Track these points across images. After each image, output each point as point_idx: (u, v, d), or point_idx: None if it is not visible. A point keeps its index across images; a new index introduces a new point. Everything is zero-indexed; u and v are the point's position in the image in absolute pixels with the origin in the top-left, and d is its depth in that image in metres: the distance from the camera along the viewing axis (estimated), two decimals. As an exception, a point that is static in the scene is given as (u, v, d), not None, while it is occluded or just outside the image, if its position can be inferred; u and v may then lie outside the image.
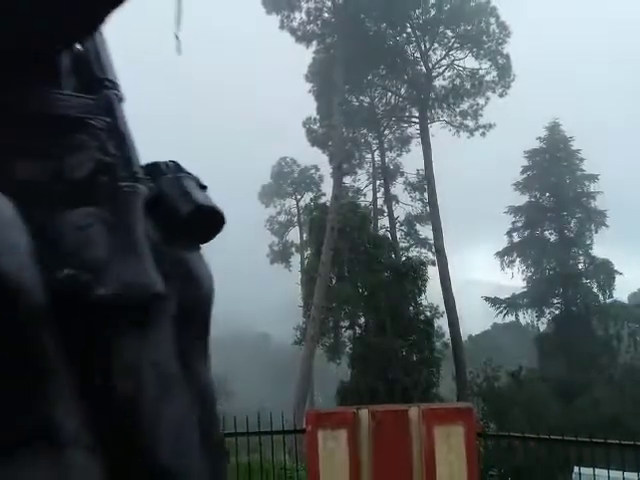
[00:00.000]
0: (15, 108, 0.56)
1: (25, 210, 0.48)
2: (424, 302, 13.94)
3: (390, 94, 18.21)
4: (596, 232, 20.25)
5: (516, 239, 21.11)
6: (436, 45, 17.12)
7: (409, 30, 16.77)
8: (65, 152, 0.57)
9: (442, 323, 14.86)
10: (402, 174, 20.35)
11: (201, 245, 0.63)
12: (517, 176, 20.70)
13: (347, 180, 19.03)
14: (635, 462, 2.78)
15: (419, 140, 17.55)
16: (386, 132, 19.59)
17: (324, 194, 21.20)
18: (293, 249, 23.58)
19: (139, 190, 0.57)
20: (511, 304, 20.25)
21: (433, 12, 16.53)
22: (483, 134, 17.90)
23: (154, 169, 0.61)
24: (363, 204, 18.92)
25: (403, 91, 18.20)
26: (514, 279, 21.45)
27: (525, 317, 21.06)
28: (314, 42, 16.20)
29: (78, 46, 0.65)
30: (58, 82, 0.60)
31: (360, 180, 20.56)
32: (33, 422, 0.41)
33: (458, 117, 17.73)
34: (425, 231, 19.30)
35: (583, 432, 2.94)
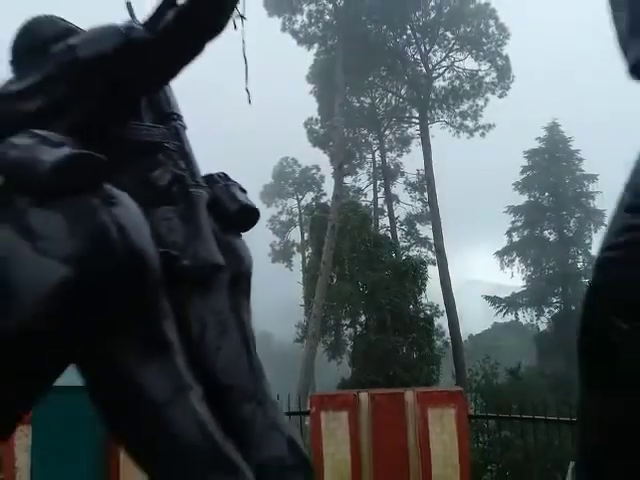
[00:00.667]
0: (118, 138, 0.80)
1: None
2: (424, 301, 14.08)
3: (390, 95, 18.39)
4: (595, 232, 20.37)
5: (516, 239, 21.23)
6: (436, 47, 17.30)
7: (409, 32, 16.96)
8: (150, 168, 0.81)
9: (442, 322, 15.02)
10: (402, 174, 20.51)
11: (242, 233, 0.90)
12: (516, 176, 20.83)
13: (348, 180, 19.23)
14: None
15: (419, 140, 17.73)
16: (386, 132, 19.76)
17: (325, 194, 21.41)
18: (294, 248, 23.75)
19: (202, 194, 0.82)
20: (511, 303, 20.37)
21: (433, 14, 16.72)
22: (483, 135, 18.08)
23: (210, 179, 0.88)
24: (364, 204, 19.09)
25: (403, 92, 18.38)
26: (514, 278, 21.54)
27: (525, 316, 21.15)
28: (315, 44, 16.40)
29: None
30: (141, 116, 0.85)
31: (361, 180, 20.74)
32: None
33: (458, 118, 17.91)
34: (425, 231, 19.44)
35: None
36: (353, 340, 14.27)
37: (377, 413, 3.01)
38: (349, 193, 19.16)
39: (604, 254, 0.76)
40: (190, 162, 0.86)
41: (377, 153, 20.55)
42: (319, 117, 18.31)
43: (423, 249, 19.45)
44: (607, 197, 19.92)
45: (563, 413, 3.06)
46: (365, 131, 19.74)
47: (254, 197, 0.95)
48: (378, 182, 20.71)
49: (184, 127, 0.90)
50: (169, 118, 0.89)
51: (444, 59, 17.41)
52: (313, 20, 16.10)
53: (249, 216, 0.88)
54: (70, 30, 1.01)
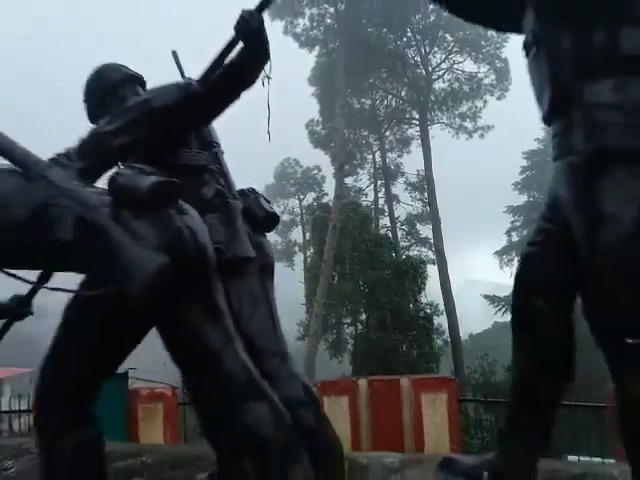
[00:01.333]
0: (173, 162, 1.09)
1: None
2: (424, 300, 14.24)
3: (391, 97, 18.60)
4: (594, 231, 20.54)
5: (515, 238, 21.43)
6: (436, 49, 17.52)
7: (409, 34, 17.18)
8: (199, 186, 1.10)
9: (442, 321, 15.20)
10: (403, 174, 20.70)
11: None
12: (516, 176, 21.01)
13: (349, 180, 19.44)
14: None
15: (419, 142, 17.94)
16: (387, 133, 19.97)
17: (326, 194, 21.62)
18: (296, 248, 23.96)
19: (237, 204, 1.12)
20: (509, 302, 20.53)
21: (433, 17, 16.94)
22: (482, 136, 18.29)
23: (242, 192, 1.17)
24: (364, 204, 19.28)
25: (404, 94, 18.59)
26: (513, 278, 21.62)
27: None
28: (317, 47, 16.64)
29: None
30: (190, 145, 1.14)
31: (362, 180, 20.93)
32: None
33: (457, 119, 18.13)
34: (426, 230, 19.60)
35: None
36: (354, 338, 14.38)
37: (375, 398, 3.30)
38: (350, 193, 19.35)
39: (527, 249, 1.05)
40: (227, 180, 1.17)
41: (378, 154, 20.75)
42: (320, 119, 18.53)
43: (423, 249, 19.58)
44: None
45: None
46: (366, 132, 19.92)
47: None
48: (379, 182, 20.89)
49: (222, 152, 1.20)
50: (210, 146, 1.19)
51: (444, 61, 17.61)
52: (315, 23, 16.34)
53: (272, 220, 1.19)
54: (130, 75, 1.31)
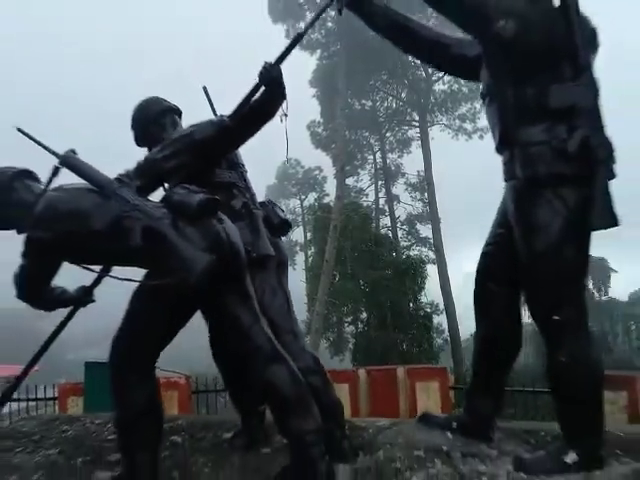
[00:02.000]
0: (209, 180, 1.39)
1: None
2: (424, 299, 14.40)
3: (391, 98, 18.82)
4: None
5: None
6: (436, 51, 17.72)
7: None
8: (230, 199, 1.40)
9: (442, 320, 15.40)
10: (403, 175, 20.88)
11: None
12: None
13: (350, 181, 19.65)
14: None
15: (419, 142, 18.18)
16: (387, 134, 20.18)
17: (327, 194, 21.82)
18: (297, 248, 24.19)
19: (259, 213, 1.41)
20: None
21: (432, 20, 17.17)
22: (481, 137, 18.47)
23: (263, 204, 1.47)
24: (365, 204, 19.48)
25: (404, 95, 18.80)
26: None
27: (523, 314, 21.42)
28: (318, 50, 16.88)
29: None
30: (221, 165, 1.44)
31: (362, 181, 21.10)
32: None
33: (457, 120, 18.33)
34: (426, 230, 19.75)
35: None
36: (355, 337, 14.47)
37: (373, 386, 3.59)
38: (351, 193, 19.54)
39: (485, 248, 1.34)
40: (251, 194, 1.47)
41: (378, 154, 20.93)
42: (321, 120, 18.73)
43: (424, 249, 19.71)
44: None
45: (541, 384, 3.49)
46: (366, 133, 20.10)
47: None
48: (379, 183, 21.06)
49: (246, 171, 1.50)
50: (237, 166, 1.49)
51: None
52: (316, 27, 16.58)
53: (285, 225, 1.50)
54: (168, 107, 1.60)
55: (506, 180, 1.24)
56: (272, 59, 1.39)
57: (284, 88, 1.37)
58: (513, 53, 1.14)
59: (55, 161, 1.30)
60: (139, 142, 1.59)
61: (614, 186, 1.11)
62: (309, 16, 16.64)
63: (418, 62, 18.20)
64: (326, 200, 20.34)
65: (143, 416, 1.19)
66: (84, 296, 1.47)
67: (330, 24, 16.46)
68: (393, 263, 14.22)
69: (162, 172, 1.31)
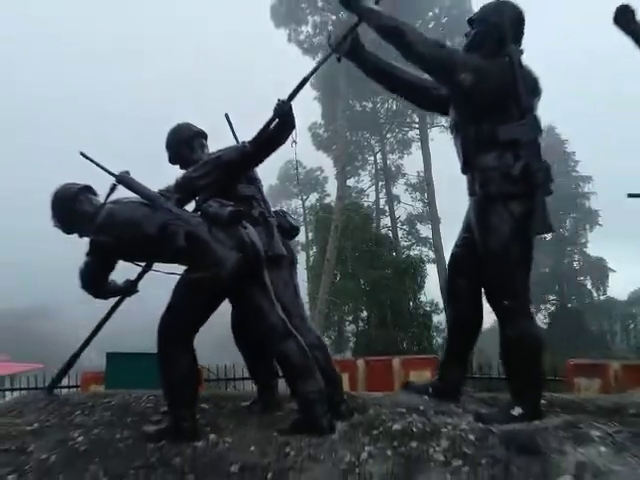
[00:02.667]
0: (232, 193, 1.72)
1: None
2: (423, 298, 14.63)
3: (391, 100, 19.06)
4: (590, 231, 20.99)
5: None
6: (435, 54, 18.00)
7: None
8: (250, 209, 1.73)
9: (441, 319, 15.66)
10: (403, 175, 21.14)
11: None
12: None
13: (350, 181, 19.93)
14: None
15: (419, 144, 18.46)
16: (388, 136, 20.45)
17: (329, 194, 22.12)
18: (299, 247, 24.46)
19: (273, 220, 1.75)
20: (508, 301, 20.98)
21: (432, 24, 17.46)
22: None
23: (276, 212, 1.80)
24: (366, 204, 19.75)
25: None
26: None
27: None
28: (320, 54, 17.17)
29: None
30: (240, 180, 1.77)
31: (363, 181, 21.35)
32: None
33: (456, 122, 18.56)
34: (426, 230, 19.98)
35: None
36: (355, 335, 14.65)
37: (370, 375, 3.92)
38: (352, 194, 19.80)
39: (454, 249, 1.67)
40: (267, 204, 1.81)
41: (379, 155, 21.22)
42: (323, 122, 19.02)
43: (424, 248, 19.93)
44: (602, 198, 20.59)
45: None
46: (367, 134, 20.35)
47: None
48: (380, 183, 21.31)
49: (262, 185, 1.83)
50: (255, 181, 1.82)
51: None
52: (318, 30, 16.89)
53: (295, 230, 1.84)
54: (197, 132, 1.94)
55: (469, 195, 1.57)
56: (284, 97, 1.72)
57: (294, 120, 1.70)
58: (472, 99, 1.46)
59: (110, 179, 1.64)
60: (172, 161, 1.93)
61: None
62: (311, 20, 17.03)
63: (418, 65, 18.61)
64: (327, 200, 20.60)
65: (185, 378, 1.52)
66: (130, 287, 1.81)
67: (331, 27, 16.79)
68: (393, 263, 14.40)
69: (196, 188, 1.65)
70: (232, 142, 1.83)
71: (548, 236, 21.54)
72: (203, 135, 1.94)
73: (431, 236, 18.00)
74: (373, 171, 21.44)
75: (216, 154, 1.71)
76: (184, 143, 1.88)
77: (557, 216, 20.77)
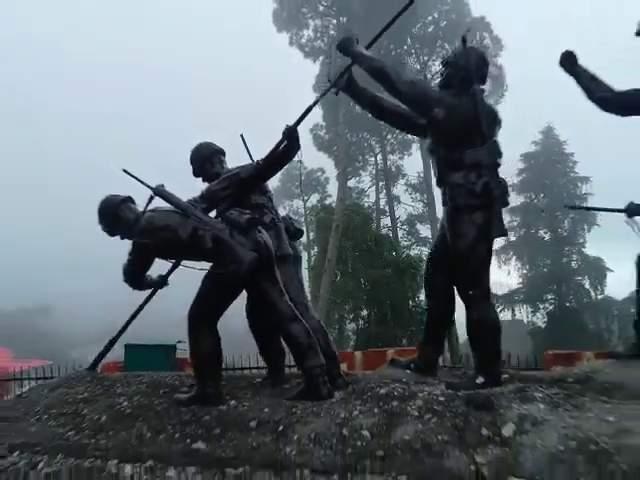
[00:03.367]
0: (248, 202, 2.08)
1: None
2: (422, 297, 14.88)
3: (392, 102, 19.38)
4: (588, 232, 21.24)
5: (512, 238, 22.17)
6: (435, 57, 18.36)
7: (409, 44, 18.00)
8: (262, 215, 2.09)
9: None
10: (403, 176, 21.43)
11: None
12: (513, 178, 21.70)
13: (351, 182, 20.21)
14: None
15: (419, 144, 18.75)
16: (388, 137, 20.74)
17: (330, 195, 22.46)
18: (301, 247, 24.70)
19: (281, 225, 2.12)
20: (507, 300, 21.37)
21: (431, 28, 17.78)
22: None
23: (284, 218, 2.18)
24: (366, 204, 20.04)
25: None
26: (510, 276, 22.26)
27: (521, 312, 21.88)
28: (321, 57, 17.51)
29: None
30: (254, 191, 2.13)
31: (364, 182, 21.63)
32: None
33: (455, 124, 18.81)
34: (425, 230, 20.29)
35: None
36: (356, 333, 14.86)
37: (367, 365, 4.26)
38: (352, 195, 20.09)
39: (432, 249, 2.02)
40: (276, 211, 2.16)
41: (379, 156, 21.51)
42: (324, 123, 19.33)
43: (424, 248, 20.18)
44: (600, 198, 20.81)
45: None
46: (368, 135, 20.64)
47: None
48: (380, 184, 21.60)
49: (272, 195, 2.18)
50: (266, 192, 2.18)
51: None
52: (319, 34, 17.22)
53: (299, 233, 2.20)
54: (216, 150, 2.29)
55: (442, 205, 1.92)
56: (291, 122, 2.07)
57: (299, 143, 2.05)
58: (443, 129, 1.81)
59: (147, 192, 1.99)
60: (195, 174, 2.29)
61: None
62: (312, 24, 17.37)
63: (418, 67, 18.95)
64: (328, 201, 20.89)
65: (211, 354, 1.87)
66: (161, 281, 2.16)
67: (332, 32, 17.12)
68: (393, 262, 14.55)
69: (218, 199, 2.00)
70: (247, 159, 2.20)
71: (547, 236, 21.83)
72: (222, 152, 2.30)
73: (431, 236, 18.30)
74: (374, 172, 21.73)
75: (235, 170, 2.07)
76: (206, 159, 2.24)
77: (556, 216, 21.06)
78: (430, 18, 17.30)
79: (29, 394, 2.30)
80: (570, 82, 1.88)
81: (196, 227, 1.85)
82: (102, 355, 2.45)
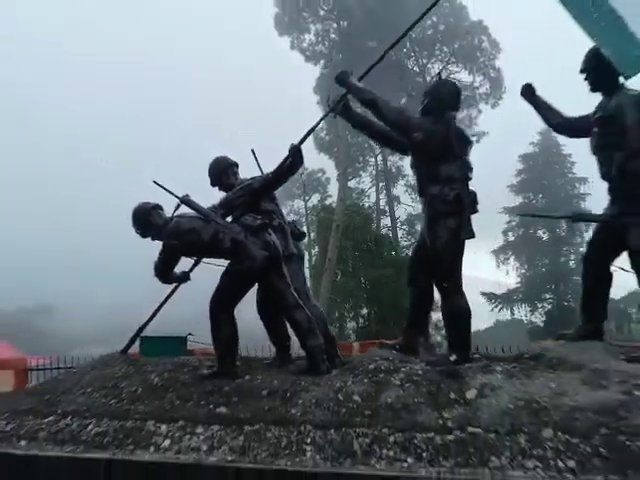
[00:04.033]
0: (258, 209, 2.45)
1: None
2: None
3: (391, 103, 19.66)
4: (586, 231, 21.46)
5: (511, 238, 22.43)
6: (434, 60, 18.67)
7: (409, 46, 18.31)
8: (271, 220, 2.46)
9: (440, 316, 16.14)
10: (403, 176, 21.74)
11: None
12: (511, 179, 21.95)
13: (351, 183, 20.52)
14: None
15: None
16: (388, 138, 21.03)
17: (330, 195, 22.80)
18: (303, 247, 25.04)
19: (287, 228, 2.50)
20: (506, 299, 21.63)
21: (430, 31, 18.09)
22: (478, 141, 19.32)
23: (289, 222, 2.57)
24: (366, 205, 20.36)
25: (404, 101, 19.67)
26: (509, 276, 22.46)
27: (520, 311, 22.12)
28: (322, 61, 17.82)
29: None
30: (264, 199, 2.51)
31: (364, 182, 21.94)
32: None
33: (454, 125, 19.11)
34: (424, 230, 20.41)
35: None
36: (356, 332, 15.05)
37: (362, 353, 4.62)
38: (352, 195, 20.37)
39: (414, 249, 2.39)
40: (283, 216, 2.54)
41: (379, 157, 21.82)
42: (325, 125, 19.62)
43: (423, 248, 20.37)
44: (598, 198, 20.89)
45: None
46: (368, 137, 20.83)
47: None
48: (380, 184, 21.89)
49: (279, 202, 2.56)
50: (274, 199, 2.56)
51: (441, 71, 18.63)
52: (320, 38, 17.53)
53: (303, 235, 2.61)
54: (230, 163, 2.66)
55: (422, 212, 2.28)
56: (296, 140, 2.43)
57: (303, 159, 2.42)
58: (423, 150, 2.18)
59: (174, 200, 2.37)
60: (213, 184, 2.67)
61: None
62: (313, 28, 17.70)
63: (417, 70, 19.28)
64: (329, 201, 21.20)
65: (229, 337, 2.24)
66: (185, 276, 2.54)
67: (333, 35, 17.46)
68: (393, 262, 14.74)
69: (234, 206, 2.37)
70: (257, 172, 2.57)
71: (545, 236, 22.07)
72: (236, 165, 2.69)
73: (430, 236, 18.48)
74: (374, 172, 22.02)
75: (248, 181, 2.45)
76: (222, 172, 2.63)
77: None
78: (429, 22, 17.60)
79: (65, 376, 2.67)
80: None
81: (216, 230, 2.22)
82: (132, 341, 2.83)
